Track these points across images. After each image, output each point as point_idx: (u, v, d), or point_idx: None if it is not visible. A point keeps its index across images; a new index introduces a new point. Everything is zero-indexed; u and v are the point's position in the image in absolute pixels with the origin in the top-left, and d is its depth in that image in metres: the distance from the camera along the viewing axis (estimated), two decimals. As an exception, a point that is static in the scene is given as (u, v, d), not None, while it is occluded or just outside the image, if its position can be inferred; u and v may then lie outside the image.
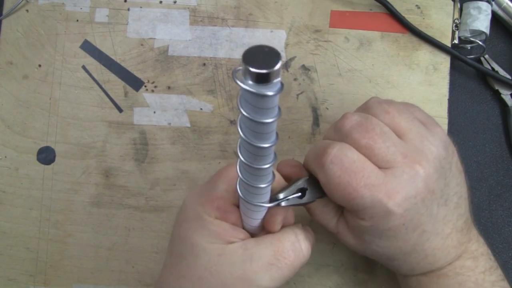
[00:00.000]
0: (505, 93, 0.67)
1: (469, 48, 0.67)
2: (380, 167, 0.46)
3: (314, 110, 0.66)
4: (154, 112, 0.67)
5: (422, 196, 0.46)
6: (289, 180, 0.51)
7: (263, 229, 0.51)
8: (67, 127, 0.68)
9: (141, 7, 0.69)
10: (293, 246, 0.48)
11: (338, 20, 0.67)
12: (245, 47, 0.31)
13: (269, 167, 0.40)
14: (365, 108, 0.52)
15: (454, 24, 0.66)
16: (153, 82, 0.68)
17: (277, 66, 0.30)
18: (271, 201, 0.47)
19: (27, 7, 0.70)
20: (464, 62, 0.66)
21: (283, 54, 0.67)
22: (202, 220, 0.49)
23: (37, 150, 0.68)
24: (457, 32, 0.66)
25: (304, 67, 0.67)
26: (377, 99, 0.52)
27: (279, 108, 0.34)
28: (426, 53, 0.66)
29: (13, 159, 0.68)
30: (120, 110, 0.68)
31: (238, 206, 0.50)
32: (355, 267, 0.64)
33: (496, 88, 0.67)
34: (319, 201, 0.51)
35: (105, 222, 0.67)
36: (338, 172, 0.46)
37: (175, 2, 0.69)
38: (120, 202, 0.67)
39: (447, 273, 0.51)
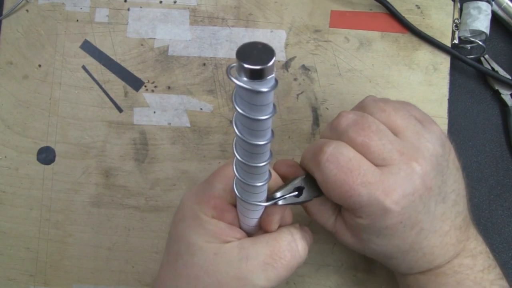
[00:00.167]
0: (505, 93, 0.67)
1: (469, 48, 0.67)
2: (376, 165, 0.46)
3: (314, 110, 0.66)
4: (154, 112, 0.67)
5: (419, 193, 0.46)
6: (286, 180, 0.51)
7: (260, 229, 0.51)
8: (67, 127, 0.68)
9: (141, 7, 0.69)
10: (290, 246, 0.48)
11: (338, 20, 0.67)
12: (241, 44, 0.31)
13: (265, 165, 0.40)
14: (361, 107, 0.52)
15: (454, 24, 0.66)
16: (153, 82, 0.68)
17: (271, 62, 0.30)
18: (268, 200, 0.47)
19: (27, 7, 0.70)
20: (464, 62, 0.66)
21: (283, 54, 0.67)
22: (199, 219, 0.49)
23: (37, 150, 0.68)
24: (457, 32, 0.66)
25: (304, 67, 0.67)
26: (373, 98, 0.52)
27: (274, 105, 0.34)
28: (426, 53, 0.66)
29: (13, 159, 0.68)
30: (120, 110, 0.68)
31: (235, 206, 0.50)
32: (355, 267, 0.64)
33: (496, 88, 0.67)
34: (316, 200, 0.51)
35: (105, 222, 0.67)
36: (334, 170, 0.46)
37: (175, 2, 0.69)
38: (120, 202, 0.67)
39: (445, 271, 0.51)
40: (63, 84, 0.68)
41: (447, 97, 0.65)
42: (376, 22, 0.67)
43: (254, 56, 0.30)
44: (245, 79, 0.31)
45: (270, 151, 0.40)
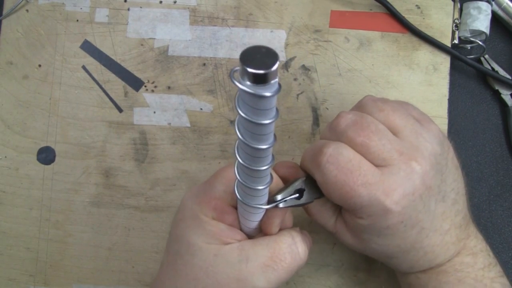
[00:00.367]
0: (505, 93, 0.67)
1: (469, 48, 0.67)
2: (376, 165, 0.46)
3: (314, 110, 0.66)
4: (154, 112, 0.67)
5: (419, 193, 0.46)
6: (286, 182, 0.51)
7: (261, 231, 0.51)
8: (67, 127, 0.68)
9: (141, 7, 0.69)
10: (290, 249, 0.48)
11: (338, 20, 0.67)
12: (245, 47, 0.31)
13: (267, 169, 0.40)
14: (360, 107, 0.52)
15: (454, 24, 0.66)
16: (153, 82, 0.68)
17: (275, 67, 0.30)
18: (268, 203, 0.47)
19: (27, 7, 0.70)
20: (464, 62, 0.66)
21: (283, 54, 0.67)
22: (199, 220, 0.49)
23: (37, 150, 0.68)
24: (457, 32, 0.66)
25: (304, 67, 0.67)
26: (371, 97, 0.52)
27: (277, 109, 0.34)
28: (426, 53, 0.66)
29: (13, 159, 0.68)
30: (120, 110, 0.68)
31: (235, 207, 0.50)
32: (355, 267, 0.64)
33: (496, 88, 0.67)
34: (316, 201, 0.51)
35: (105, 222, 0.67)
36: (334, 171, 0.46)
37: (175, 2, 0.69)
38: (120, 202, 0.67)
39: (446, 269, 0.51)
40: (63, 84, 0.68)
41: (447, 97, 0.65)
42: (376, 22, 0.67)
43: (258, 60, 0.30)
44: (248, 83, 0.31)
45: (272, 155, 0.40)
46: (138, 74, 0.68)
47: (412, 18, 0.66)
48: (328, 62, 0.67)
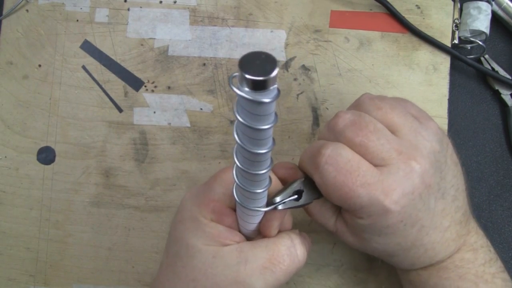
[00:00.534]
0: (505, 93, 0.67)
1: (469, 48, 0.67)
2: (375, 165, 0.46)
3: (314, 110, 0.66)
4: (154, 112, 0.67)
5: (419, 191, 0.46)
6: (285, 183, 0.51)
7: (260, 233, 0.51)
8: (67, 127, 0.68)
9: (141, 7, 0.69)
10: (289, 251, 0.48)
11: (338, 20, 0.67)
12: (245, 47, 0.31)
13: (265, 173, 0.40)
14: (357, 105, 0.51)
15: (454, 24, 0.66)
16: (153, 82, 0.68)
17: (274, 73, 0.30)
18: (267, 205, 0.47)
19: (27, 7, 0.70)
20: (464, 62, 0.66)
21: (283, 54, 0.67)
22: (198, 222, 0.49)
23: (37, 150, 0.68)
24: (457, 32, 0.66)
25: (304, 67, 0.67)
26: (369, 95, 0.52)
27: (276, 114, 0.34)
28: (426, 53, 0.66)
29: (13, 159, 0.68)
30: (120, 110, 0.68)
31: (234, 209, 0.50)
32: (355, 267, 0.64)
33: (496, 88, 0.67)
34: (316, 201, 0.51)
35: (105, 222, 0.67)
36: (333, 172, 0.46)
37: (175, 2, 0.69)
38: (120, 202, 0.67)
39: (447, 266, 0.51)
40: (63, 84, 0.68)
41: (447, 97, 0.65)
42: (376, 22, 0.67)
43: (257, 67, 0.30)
44: (247, 89, 0.31)
45: (271, 159, 0.40)
46: (138, 74, 0.68)
47: (412, 18, 0.66)
48: (328, 62, 0.67)
